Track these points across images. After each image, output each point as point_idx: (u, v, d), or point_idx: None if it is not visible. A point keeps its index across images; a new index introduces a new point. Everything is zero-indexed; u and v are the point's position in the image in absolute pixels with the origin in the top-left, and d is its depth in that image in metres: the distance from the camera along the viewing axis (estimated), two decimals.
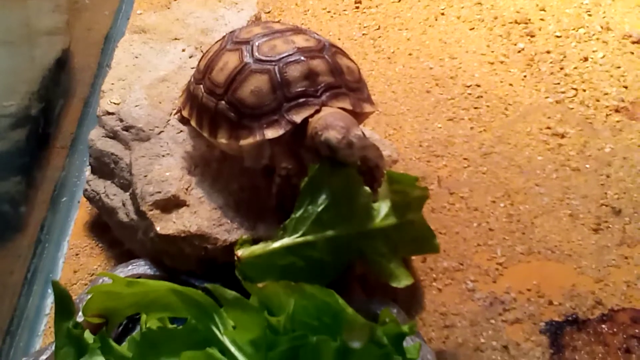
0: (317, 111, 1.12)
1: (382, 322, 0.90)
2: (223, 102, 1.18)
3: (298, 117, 1.12)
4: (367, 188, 1.09)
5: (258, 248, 1.07)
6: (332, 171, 1.07)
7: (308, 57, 1.16)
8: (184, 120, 1.36)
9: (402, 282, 1.09)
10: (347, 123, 1.06)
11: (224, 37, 1.30)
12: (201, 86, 1.24)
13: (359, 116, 1.20)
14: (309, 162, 1.11)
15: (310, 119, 1.11)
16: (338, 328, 0.90)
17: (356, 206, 1.08)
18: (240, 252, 1.07)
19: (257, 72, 1.16)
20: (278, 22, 1.40)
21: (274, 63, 1.16)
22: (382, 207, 1.10)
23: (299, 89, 1.14)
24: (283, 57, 1.16)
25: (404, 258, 1.14)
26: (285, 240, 1.07)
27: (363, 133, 1.07)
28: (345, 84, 1.17)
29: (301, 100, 1.13)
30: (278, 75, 1.14)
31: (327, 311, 0.92)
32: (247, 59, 1.18)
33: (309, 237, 1.07)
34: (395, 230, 1.09)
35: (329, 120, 1.07)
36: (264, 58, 1.17)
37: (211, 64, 1.24)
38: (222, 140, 1.18)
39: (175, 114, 1.38)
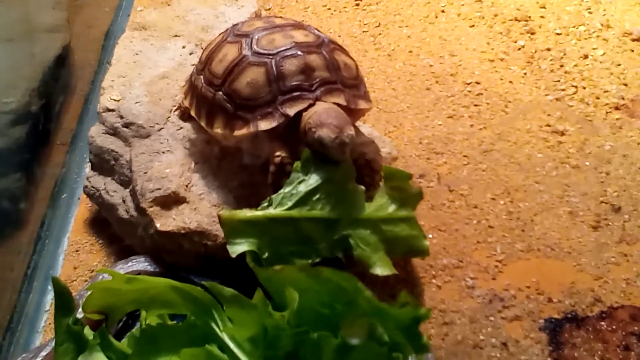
0: (311, 105, 1.13)
1: (400, 304, 0.89)
2: (220, 92, 1.19)
3: (291, 110, 1.13)
4: (360, 186, 1.10)
5: (240, 212, 1.06)
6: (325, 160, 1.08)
7: (305, 52, 1.17)
8: (184, 117, 1.37)
9: (383, 271, 1.09)
10: (341, 121, 1.07)
11: (226, 30, 1.31)
12: (201, 77, 1.26)
13: (354, 113, 1.20)
14: None
15: (304, 113, 1.12)
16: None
17: (345, 194, 1.09)
18: (222, 212, 1.07)
19: (254, 65, 1.17)
20: (280, 17, 1.41)
21: (271, 56, 1.17)
22: (377, 199, 1.11)
23: (294, 83, 1.15)
24: (280, 51, 1.17)
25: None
26: (270, 211, 1.07)
27: (355, 131, 1.08)
28: (341, 80, 1.18)
29: (295, 94, 1.14)
30: (274, 68, 1.15)
31: (341, 298, 0.91)
32: (246, 51, 1.19)
33: (293, 212, 1.07)
34: (386, 224, 1.10)
35: (323, 118, 1.08)
36: (262, 51, 1.18)
37: (212, 55, 1.25)
38: (218, 130, 1.19)
39: (175, 110, 1.39)
